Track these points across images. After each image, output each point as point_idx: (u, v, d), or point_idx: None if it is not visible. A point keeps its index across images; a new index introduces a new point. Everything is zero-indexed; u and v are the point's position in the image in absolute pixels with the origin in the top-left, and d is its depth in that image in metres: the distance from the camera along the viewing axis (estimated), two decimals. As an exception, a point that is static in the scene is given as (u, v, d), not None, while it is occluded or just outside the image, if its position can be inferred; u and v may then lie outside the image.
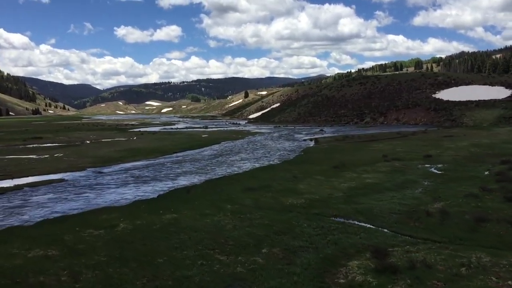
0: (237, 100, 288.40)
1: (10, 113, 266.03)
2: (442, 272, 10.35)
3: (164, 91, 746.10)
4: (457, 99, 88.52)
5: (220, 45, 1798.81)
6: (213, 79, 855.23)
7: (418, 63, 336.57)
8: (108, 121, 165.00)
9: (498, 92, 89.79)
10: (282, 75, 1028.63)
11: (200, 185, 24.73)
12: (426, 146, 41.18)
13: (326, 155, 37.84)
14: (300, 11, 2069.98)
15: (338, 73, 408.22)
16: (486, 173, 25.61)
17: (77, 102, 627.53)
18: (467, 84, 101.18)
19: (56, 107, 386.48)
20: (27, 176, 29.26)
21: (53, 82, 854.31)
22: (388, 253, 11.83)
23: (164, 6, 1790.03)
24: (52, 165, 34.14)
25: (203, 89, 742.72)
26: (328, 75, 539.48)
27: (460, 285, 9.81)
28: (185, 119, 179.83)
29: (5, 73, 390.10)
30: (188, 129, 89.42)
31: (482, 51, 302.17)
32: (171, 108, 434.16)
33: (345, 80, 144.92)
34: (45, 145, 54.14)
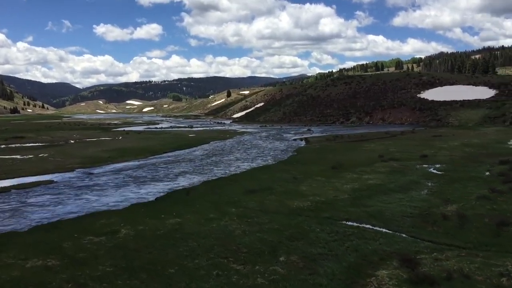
0: (219, 100, 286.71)
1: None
2: (482, 283, 9.73)
3: (145, 90, 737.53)
4: (442, 99, 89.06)
5: (201, 44, 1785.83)
6: (195, 78, 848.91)
7: (398, 63, 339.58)
8: (90, 120, 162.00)
9: (482, 92, 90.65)
10: (263, 75, 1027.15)
11: (198, 187, 23.86)
12: (418, 146, 40.93)
13: (320, 155, 37.26)
14: (281, 11, 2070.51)
15: (319, 72, 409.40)
16: (487, 173, 25.31)
17: (56, 101, 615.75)
18: (451, 84, 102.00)
19: (35, 106, 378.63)
20: (13, 178, 27.93)
21: (31, 80, 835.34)
22: (417, 261, 11.16)
23: (144, 4, 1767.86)
24: (39, 166, 32.78)
25: (184, 88, 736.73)
26: (310, 74, 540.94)
27: (502, 296, 9.21)
28: (168, 118, 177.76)
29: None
30: (173, 129, 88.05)
31: (461, 52, 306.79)
32: (152, 108, 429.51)
33: (330, 79, 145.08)
34: (28, 144, 52.38)
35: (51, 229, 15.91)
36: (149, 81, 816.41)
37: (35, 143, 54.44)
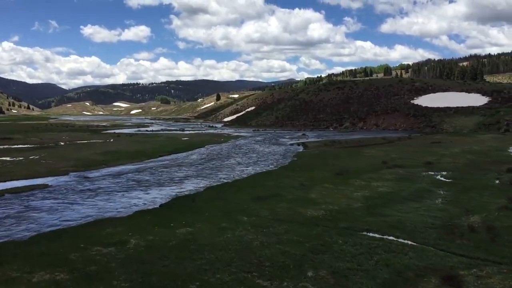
0: (209, 103, 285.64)
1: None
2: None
3: (133, 92, 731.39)
4: (435, 105, 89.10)
5: (190, 47, 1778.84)
6: (183, 81, 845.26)
7: (387, 69, 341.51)
8: (77, 122, 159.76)
9: (475, 99, 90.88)
10: (252, 79, 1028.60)
11: (203, 193, 22.90)
12: (419, 153, 40.39)
13: (321, 160, 36.50)
14: (270, 15, 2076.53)
15: (308, 77, 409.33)
16: (497, 181, 24.78)
17: (41, 102, 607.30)
18: (444, 91, 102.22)
19: (20, 106, 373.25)
20: (5, 181, 26.69)
21: (15, 80, 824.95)
22: (460, 279, 10.37)
23: (133, 6, 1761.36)
24: (31, 169, 31.52)
25: (172, 91, 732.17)
26: (298, 79, 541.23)
27: None
28: (157, 121, 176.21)
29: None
30: (165, 132, 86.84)
31: (448, 59, 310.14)
32: (140, 110, 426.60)
33: (322, 84, 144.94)
34: (17, 146, 50.92)
35: (53, 239, 14.84)
36: (137, 83, 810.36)
37: (24, 144, 52.99)
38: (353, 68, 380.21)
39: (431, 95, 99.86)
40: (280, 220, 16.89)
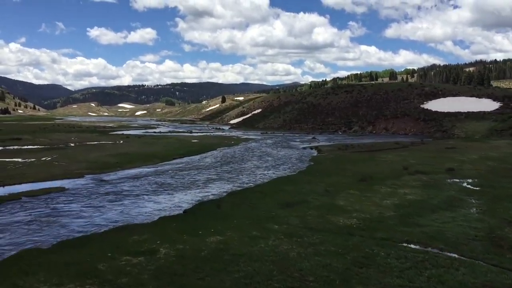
0: (214, 105, 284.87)
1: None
2: None
3: (138, 94, 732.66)
4: (446, 110, 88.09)
5: (195, 50, 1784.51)
6: (188, 83, 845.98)
7: (392, 73, 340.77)
8: (83, 122, 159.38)
9: (486, 105, 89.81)
10: (256, 82, 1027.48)
11: (225, 198, 22.13)
12: (436, 158, 39.47)
13: (338, 165, 35.64)
14: (275, 19, 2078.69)
15: (312, 81, 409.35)
16: (527, 190, 23.90)
17: (47, 102, 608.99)
18: (454, 96, 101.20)
19: (26, 107, 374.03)
20: (20, 183, 26.02)
21: (22, 81, 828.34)
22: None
23: (139, 8, 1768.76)
24: (45, 171, 30.84)
25: (177, 93, 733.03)
26: (302, 82, 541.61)
27: None
28: (163, 122, 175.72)
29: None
30: (173, 134, 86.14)
31: (453, 64, 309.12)
32: (145, 111, 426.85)
33: (330, 87, 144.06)
34: (27, 147, 50.27)
35: (77, 246, 14.10)
36: (142, 85, 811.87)
37: (34, 145, 52.41)
38: (358, 72, 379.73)
39: (441, 99, 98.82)
40: (312, 229, 16.10)
